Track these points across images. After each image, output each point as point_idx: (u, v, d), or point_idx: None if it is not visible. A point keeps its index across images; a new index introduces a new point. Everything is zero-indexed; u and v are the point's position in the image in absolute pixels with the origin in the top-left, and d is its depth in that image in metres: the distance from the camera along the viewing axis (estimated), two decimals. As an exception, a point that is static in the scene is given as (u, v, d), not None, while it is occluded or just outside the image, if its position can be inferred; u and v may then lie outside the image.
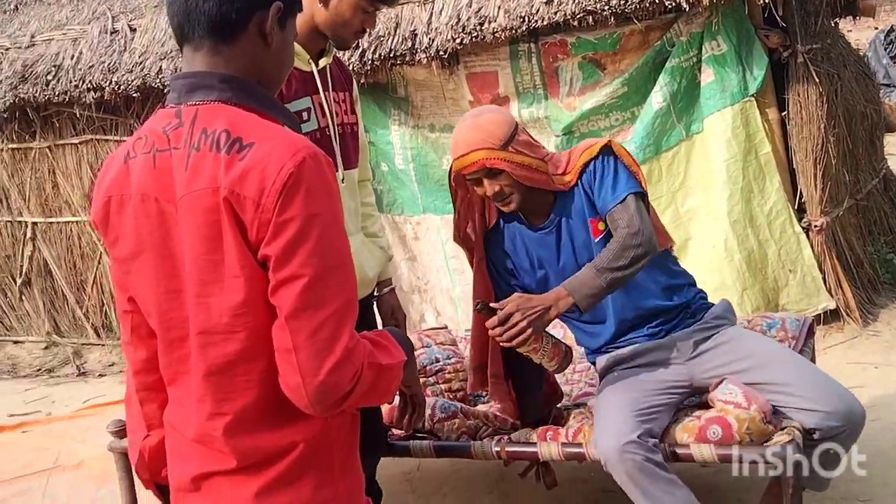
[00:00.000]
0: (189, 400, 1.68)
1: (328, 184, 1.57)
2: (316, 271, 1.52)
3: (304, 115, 2.79)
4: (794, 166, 5.15)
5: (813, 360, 3.32)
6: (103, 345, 6.46)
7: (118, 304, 1.82)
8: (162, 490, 1.91)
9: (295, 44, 2.76)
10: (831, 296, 5.09)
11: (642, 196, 2.80)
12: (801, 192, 5.14)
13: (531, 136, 2.94)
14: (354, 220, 2.93)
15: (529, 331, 2.62)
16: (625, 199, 2.76)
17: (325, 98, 2.84)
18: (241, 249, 1.54)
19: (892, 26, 17.20)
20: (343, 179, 2.85)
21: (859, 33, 15.08)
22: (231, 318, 1.58)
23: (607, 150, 2.85)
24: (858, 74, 6.30)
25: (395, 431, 3.09)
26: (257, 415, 1.63)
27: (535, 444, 2.95)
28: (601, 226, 2.86)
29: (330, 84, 2.88)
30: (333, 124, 2.86)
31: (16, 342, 6.75)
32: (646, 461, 2.68)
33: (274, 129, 1.60)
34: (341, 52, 4.87)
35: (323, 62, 2.87)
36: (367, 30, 2.87)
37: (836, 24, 5.93)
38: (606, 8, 4.85)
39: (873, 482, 3.40)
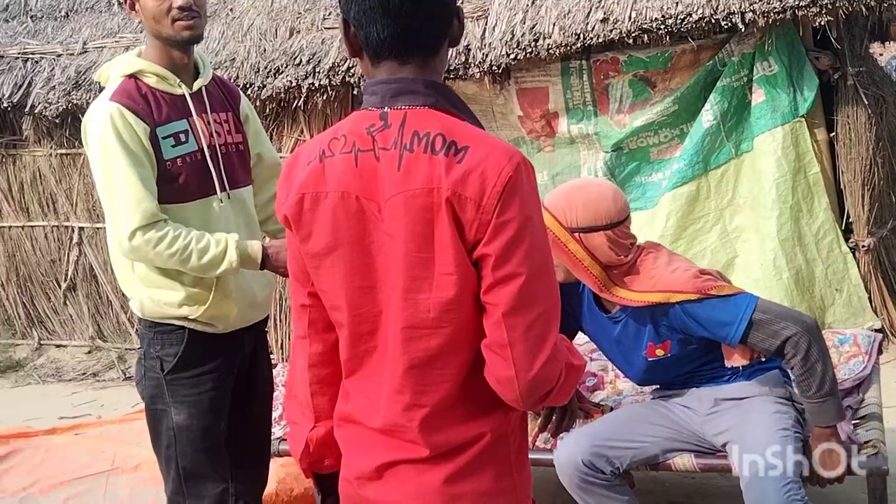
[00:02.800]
0: (376, 392, 1.74)
1: (535, 189, 1.65)
2: (531, 270, 1.60)
3: (182, 136, 2.82)
4: (842, 187, 5.23)
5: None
6: (146, 350, 6.51)
7: (295, 298, 1.88)
8: (319, 479, 1.99)
9: (161, 68, 2.84)
10: (876, 315, 5.15)
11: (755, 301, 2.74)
12: (847, 213, 5.22)
13: (624, 241, 2.82)
14: (244, 238, 2.93)
15: None
16: (750, 320, 2.69)
17: (203, 120, 2.87)
18: (458, 248, 1.61)
19: (903, 52, 17.37)
20: (224, 200, 2.89)
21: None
22: (439, 314, 1.65)
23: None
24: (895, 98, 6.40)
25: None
26: (451, 407, 1.70)
27: None
28: (659, 352, 2.91)
29: (207, 105, 2.91)
30: (216, 145, 2.89)
31: (58, 346, 6.81)
32: (582, 482, 2.89)
33: (482, 134, 1.67)
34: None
35: (197, 84, 2.91)
36: (188, 7, 2.78)
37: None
38: (662, 27, 4.92)
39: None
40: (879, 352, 3.43)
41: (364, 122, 1.71)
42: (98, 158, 2.74)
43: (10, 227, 6.73)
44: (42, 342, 6.85)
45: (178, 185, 2.80)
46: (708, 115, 5.22)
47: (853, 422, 2.95)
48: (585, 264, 2.79)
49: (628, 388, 3.49)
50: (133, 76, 2.81)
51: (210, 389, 2.91)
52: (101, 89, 2.92)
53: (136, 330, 3.05)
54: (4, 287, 6.86)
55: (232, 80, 5.68)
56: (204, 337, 2.89)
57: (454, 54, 5.35)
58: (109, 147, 2.70)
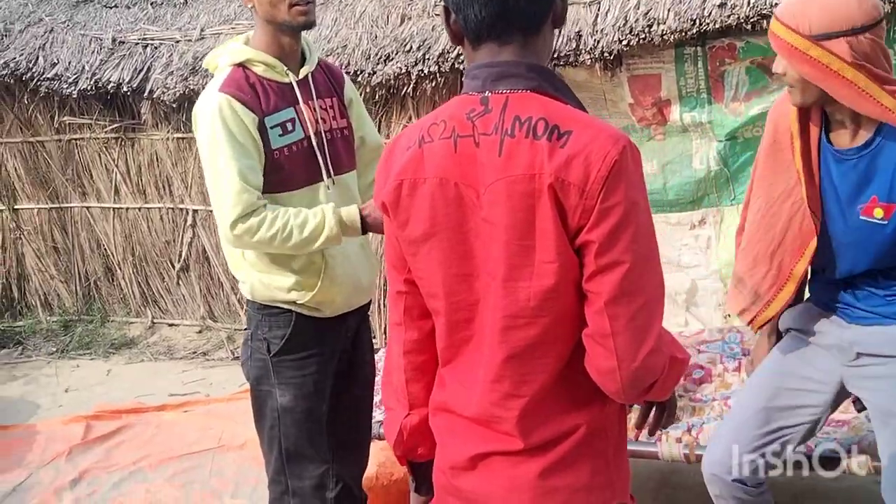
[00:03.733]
0: (472, 381, 1.72)
1: (642, 173, 1.61)
2: (635, 258, 1.55)
3: (289, 125, 2.84)
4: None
5: None
6: (255, 331, 6.64)
7: (391, 285, 1.87)
8: (414, 467, 1.96)
9: (269, 56, 2.83)
10: None
11: None
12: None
13: (871, 53, 2.40)
14: None
15: None
16: None
17: (309, 107, 2.87)
18: (560, 235, 1.57)
19: None
20: (330, 186, 2.90)
21: None
22: (539, 303, 1.61)
23: None
24: None
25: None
26: (548, 397, 1.67)
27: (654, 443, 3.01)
28: (878, 213, 2.56)
29: (313, 92, 2.90)
30: (322, 132, 2.89)
31: (171, 325, 6.99)
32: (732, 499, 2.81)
33: (586, 117, 1.63)
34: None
35: (304, 71, 2.90)
36: None
37: None
38: (782, 12, 4.75)
39: None
40: None
41: (465, 107, 1.68)
42: (206, 148, 2.79)
43: (127, 208, 6.93)
44: (155, 321, 7.06)
45: (285, 173, 2.83)
46: (828, 104, 5.02)
47: None
48: (835, 68, 2.37)
49: (737, 383, 3.39)
50: (241, 65, 2.84)
51: (314, 372, 2.94)
52: (211, 76, 2.96)
53: (245, 311, 3.09)
54: (121, 266, 7.08)
55: (343, 67, 5.73)
56: (311, 321, 2.92)
57: (564, 41, 5.28)
58: (217, 137, 2.74)
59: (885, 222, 2.55)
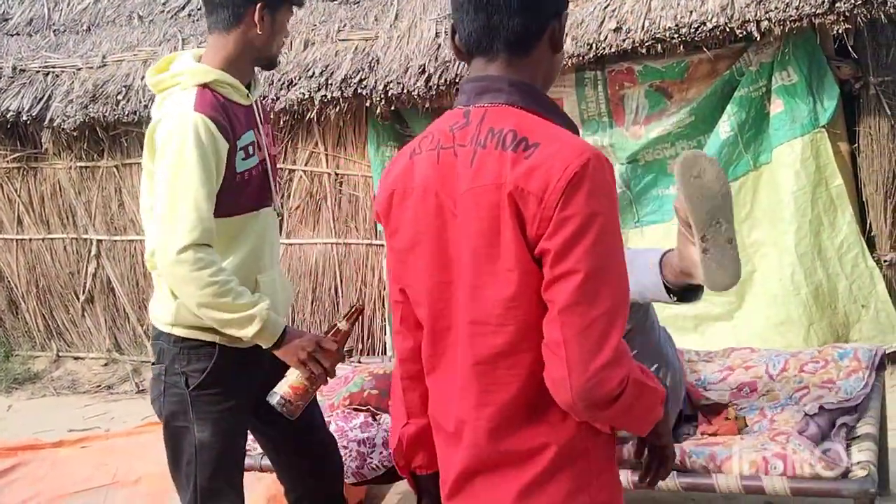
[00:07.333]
0: (450, 390, 1.75)
1: (609, 186, 1.63)
2: (592, 268, 1.56)
3: (251, 149, 2.77)
4: (864, 199, 5.06)
5: (883, 394, 3.23)
6: (162, 363, 6.52)
7: (391, 294, 1.92)
8: (416, 479, 1.98)
9: (234, 79, 2.74)
10: (903, 333, 4.96)
11: None
12: (869, 226, 5.04)
13: None
14: (273, 254, 2.93)
15: None
16: None
17: (262, 131, 2.84)
18: (519, 244, 1.61)
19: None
20: (277, 208, 2.90)
21: None
22: (503, 311, 1.64)
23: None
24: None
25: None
26: (517, 409, 1.68)
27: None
28: None
29: (260, 117, 2.87)
30: (268, 157, 2.86)
31: (76, 358, 6.83)
32: None
33: (559, 132, 1.66)
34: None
35: (254, 95, 2.86)
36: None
37: None
38: (676, 36, 4.81)
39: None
40: (881, 367, 3.27)
41: (450, 120, 1.74)
42: (170, 165, 2.64)
43: (30, 239, 6.78)
44: (60, 354, 6.90)
45: (242, 197, 2.77)
46: (725, 127, 5.09)
47: (846, 441, 2.80)
48: None
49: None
50: (206, 86, 2.71)
51: (234, 405, 2.85)
52: (150, 98, 2.88)
53: (155, 346, 2.94)
54: (25, 299, 6.91)
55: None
56: (231, 352, 2.82)
57: (465, 65, 5.27)
58: (187, 158, 2.61)
59: None
